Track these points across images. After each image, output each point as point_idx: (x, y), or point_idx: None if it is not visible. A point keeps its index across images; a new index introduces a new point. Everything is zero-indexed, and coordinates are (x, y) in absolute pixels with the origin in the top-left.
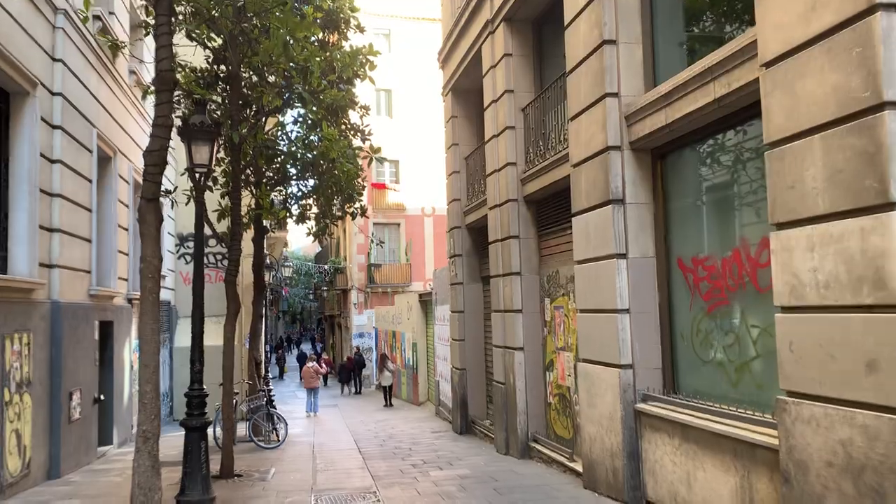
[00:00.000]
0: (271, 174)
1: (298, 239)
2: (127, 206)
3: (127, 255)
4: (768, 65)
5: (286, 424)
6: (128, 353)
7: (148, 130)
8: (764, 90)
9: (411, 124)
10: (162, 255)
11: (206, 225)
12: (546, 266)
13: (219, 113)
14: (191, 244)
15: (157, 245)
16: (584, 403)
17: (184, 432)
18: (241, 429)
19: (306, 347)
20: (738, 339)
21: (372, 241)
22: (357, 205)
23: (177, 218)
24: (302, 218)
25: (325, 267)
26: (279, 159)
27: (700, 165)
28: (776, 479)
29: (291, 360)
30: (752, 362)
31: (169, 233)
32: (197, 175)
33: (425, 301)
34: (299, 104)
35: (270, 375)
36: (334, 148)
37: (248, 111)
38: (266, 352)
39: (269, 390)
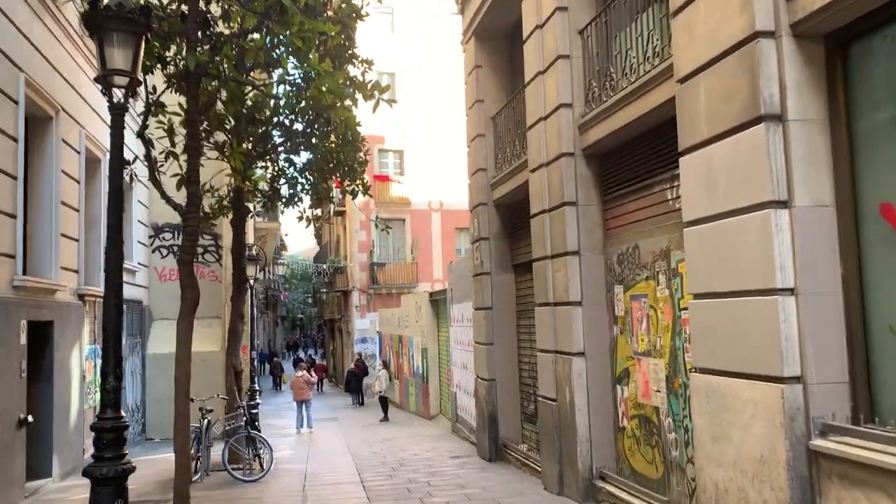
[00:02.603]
0: (252, 144)
1: (298, 242)
2: (77, 181)
3: (77, 241)
4: None
5: (271, 450)
6: (78, 361)
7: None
8: None
9: (417, 111)
10: None
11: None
12: (616, 241)
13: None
14: (167, 236)
15: None
16: (703, 435)
17: (153, 456)
18: (218, 452)
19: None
20: None
21: (376, 225)
22: (358, 182)
23: (150, 205)
24: (292, 199)
25: (324, 266)
26: (262, 115)
27: None
28: None
29: (290, 366)
30: None
31: (140, 221)
32: (115, 89)
33: (436, 300)
34: (280, 32)
35: (257, 388)
36: (327, 83)
37: (209, 30)
38: (252, 359)
39: (253, 406)
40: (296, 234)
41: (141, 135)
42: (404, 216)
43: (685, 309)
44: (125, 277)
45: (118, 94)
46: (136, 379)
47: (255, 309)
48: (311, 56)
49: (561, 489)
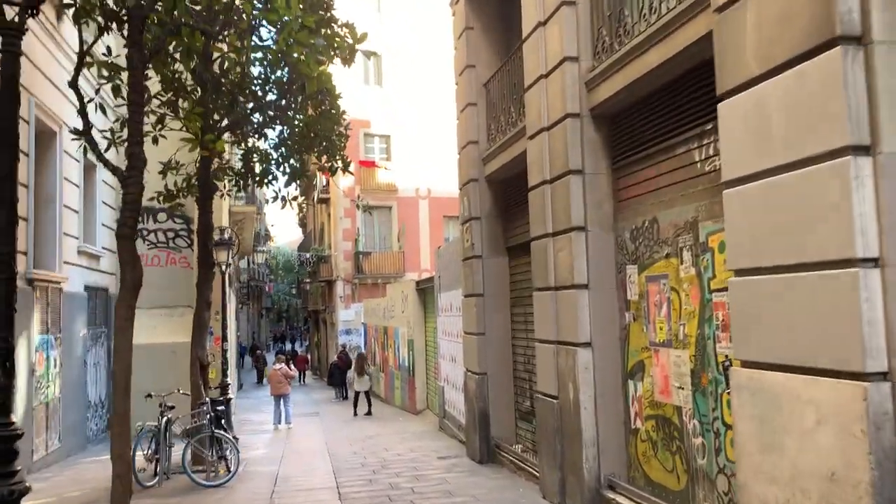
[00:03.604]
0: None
1: (285, 233)
2: (27, 154)
3: (25, 220)
4: None
5: (238, 451)
6: (25, 353)
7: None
8: None
9: (404, 95)
10: None
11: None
12: (629, 215)
13: None
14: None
15: None
16: (748, 444)
17: None
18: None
19: (298, 347)
20: None
21: (358, 206)
22: (338, 158)
23: (118, 186)
24: (265, 176)
25: (307, 255)
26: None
27: None
28: None
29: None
30: None
31: (105, 202)
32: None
33: (424, 289)
34: None
35: (229, 381)
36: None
37: None
38: (224, 350)
39: (219, 402)
40: (283, 225)
41: (73, 84)
42: (391, 203)
43: (718, 290)
44: (90, 263)
45: (11, 12)
46: (99, 371)
47: (227, 297)
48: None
49: (562, 499)
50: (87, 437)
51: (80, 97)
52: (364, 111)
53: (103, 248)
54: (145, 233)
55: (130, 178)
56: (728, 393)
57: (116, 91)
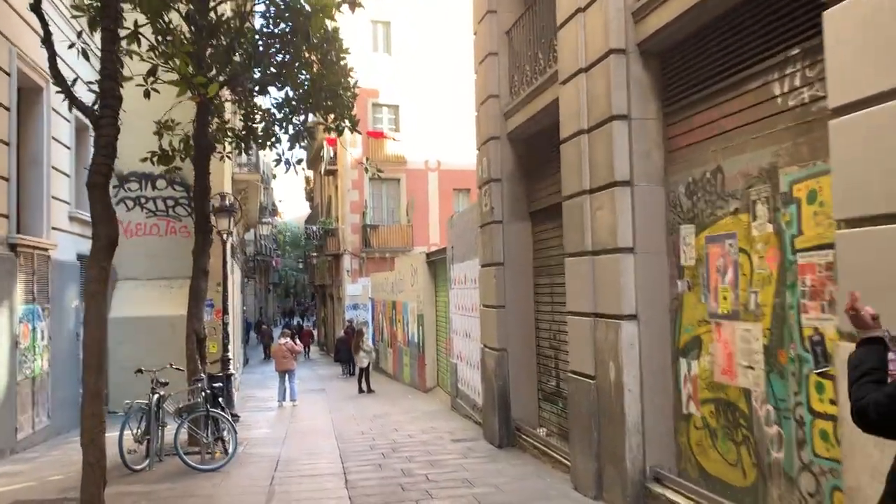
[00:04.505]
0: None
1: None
2: (7, 108)
3: (6, 180)
4: None
5: (235, 433)
6: (7, 324)
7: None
8: None
9: (414, 63)
10: None
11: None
12: (684, 166)
13: None
14: (133, 186)
15: None
16: (863, 436)
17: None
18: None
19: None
20: None
21: (366, 169)
22: (346, 115)
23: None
24: (267, 136)
25: (314, 228)
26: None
27: None
28: None
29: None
30: None
31: None
32: None
33: (434, 262)
34: None
35: (230, 356)
36: None
37: None
38: (225, 324)
39: (217, 379)
40: (291, 201)
41: (35, 8)
42: (399, 175)
43: (806, 250)
44: (83, 230)
45: None
46: None
47: (230, 268)
48: None
49: (599, 492)
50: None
51: (43, 22)
52: (372, 80)
53: None
54: (143, 200)
55: (103, 118)
56: (817, 373)
57: (93, 25)
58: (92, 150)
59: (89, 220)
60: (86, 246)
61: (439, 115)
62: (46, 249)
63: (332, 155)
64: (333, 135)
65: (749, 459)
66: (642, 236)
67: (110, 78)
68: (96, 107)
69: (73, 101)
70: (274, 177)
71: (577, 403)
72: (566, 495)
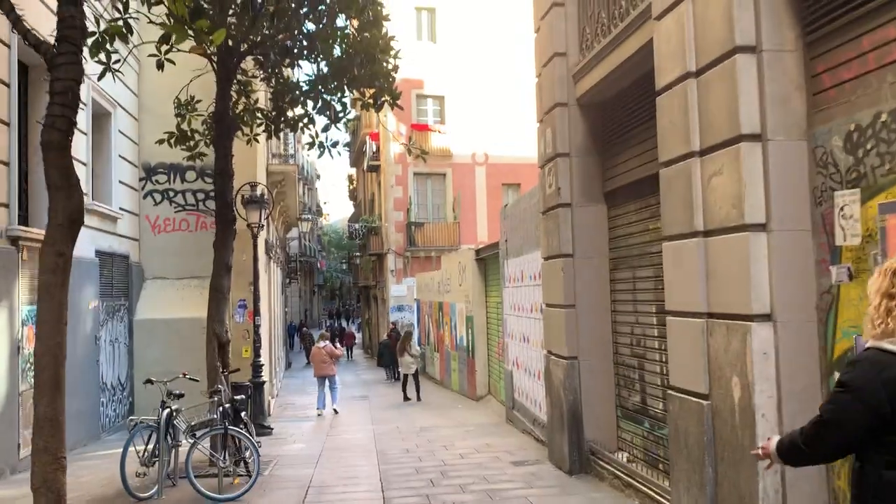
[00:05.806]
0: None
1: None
2: (7, 84)
3: (7, 164)
4: None
5: (258, 454)
6: (7, 327)
7: None
8: None
9: (460, 52)
10: None
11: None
12: (837, 112)
13: None
14: (161, 178)
15: None
16: None
17: None
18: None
19: (351, 325)
20: None
21: (409, 151)
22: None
23: (141, 141)
24: (300, 119)
25: (356, 227)
26: None
27: None
28: None
29: None
30: None
31: (123, 157)
32: None
33: (484, 259)
34: None
35: (262, 362)
36: None
37: None
38: (256, 326)
39: (247, 387)
40: (336, 203)
41: None
42: (445, 170)
43: None
44: (102, 225)
45: None
46: (118, 350)
47: (267, 267)
48: None
49: None
50: (102, 426)
51: None
52: (416, 70)
53: (122, 209)
54: (171, 194)
55: (61, 56)
56: None
57: None
58: (113, 139)
59: (111, 213)
60: (106, 241)
61: (487, 107)
62: None
63: (374, 150)
64: (372, 111)
65: None
66: (779, 208)
67: (69, 3)
68: (53, 40)
69: (18, 27)
70: (318, 177)
71: (683, 429)
72: None
